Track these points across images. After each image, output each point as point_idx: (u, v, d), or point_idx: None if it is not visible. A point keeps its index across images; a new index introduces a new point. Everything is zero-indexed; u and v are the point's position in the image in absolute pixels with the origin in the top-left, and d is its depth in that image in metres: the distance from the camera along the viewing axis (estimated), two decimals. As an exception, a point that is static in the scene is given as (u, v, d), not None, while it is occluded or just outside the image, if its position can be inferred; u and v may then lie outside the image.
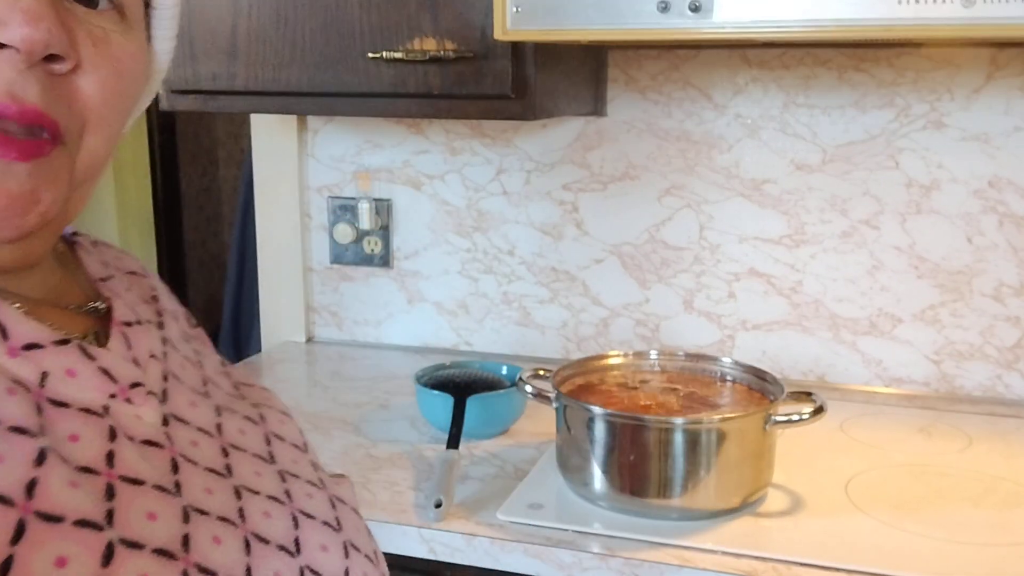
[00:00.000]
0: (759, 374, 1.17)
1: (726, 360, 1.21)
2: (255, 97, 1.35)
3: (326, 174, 1.71)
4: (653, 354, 1.25)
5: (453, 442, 1.19)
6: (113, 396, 0.50)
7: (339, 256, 1.73)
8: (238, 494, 0.52)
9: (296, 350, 1.73)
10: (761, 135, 1.48)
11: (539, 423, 1.31)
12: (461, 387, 1.29)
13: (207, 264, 3.66)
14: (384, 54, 1.25)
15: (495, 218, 1.63)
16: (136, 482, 0.46)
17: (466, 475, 1.18)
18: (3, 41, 0.44)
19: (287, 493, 0.55)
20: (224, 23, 1.31)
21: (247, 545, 0.49)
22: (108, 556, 0.42)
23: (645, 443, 1.04)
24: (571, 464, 1.11)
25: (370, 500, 1.11)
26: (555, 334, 1.64)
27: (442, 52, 1.22)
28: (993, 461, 1.23)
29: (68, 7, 0.48)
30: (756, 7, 1.02)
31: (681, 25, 1.04)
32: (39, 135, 0.47)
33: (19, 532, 0.40)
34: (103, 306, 0.56)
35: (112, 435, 0.48)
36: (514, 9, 1.09)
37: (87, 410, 0.48)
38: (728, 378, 1.20)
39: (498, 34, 1.11)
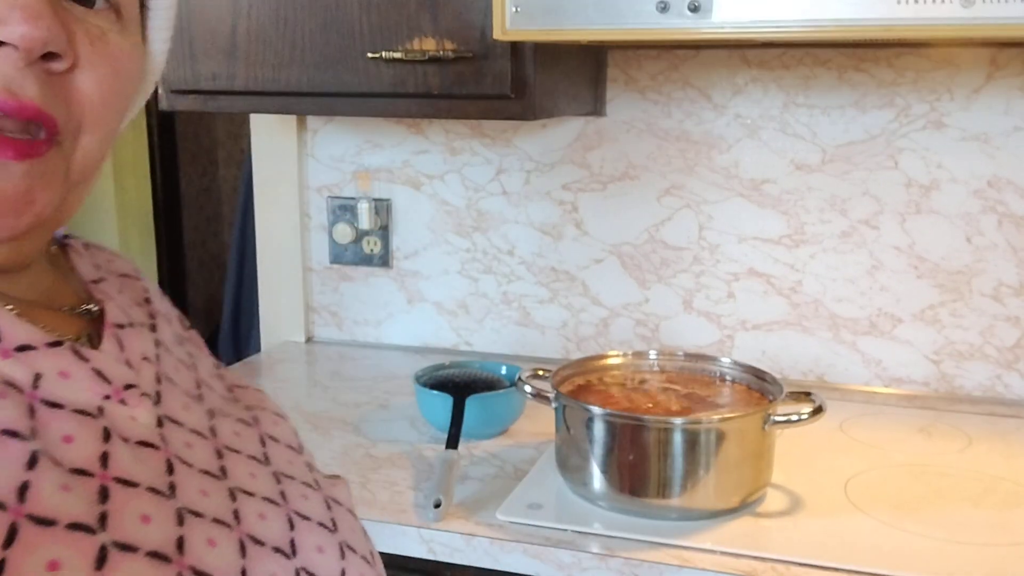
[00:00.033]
0: (758, 374, 1.17)
1: (725, 360, 1.21)
2: (255, 97, 1.35)
3: (326, 174, 1.71)
4: (653, 354, 1.25)
5: (452, 442, 1.19)
6: (107, 397, 0.49)
7: (339, 256, 1.73)
8: (233, 496, 0.52)
9: (296, 350, 1.73)
10: (761, 135, 1.48)
11: (538, 423, 1.31)
12: (461, 387, 1.29)
13: (207, 264, 3.66)
14: (384, 54, 1.25)
15: (495, 218, 1.63)
16: (130, 484, 0.46)
17: (465, 475, 1.18)
18: (2, 39, 0.44)
19: (282, 494, 0.55)
20: (224, 23, 1.31)
21: (242, 547, 0.49)
22: (101, 560, 0.42)
23: (644, 443, 1.04)
24: (570, 464, 1.11)
25: (370, 500, 1.11)
26: (555, 334, 1.64)
27: (442, 52, 1.22)
28: (993, 461, 1.23)
29: (66, 6, 0.48)
30: (755, 7, 1.02)
31: (680, 25, 1.04)
32: (36, 134, 0.47)
33: (11, 536, 0.40)
34: (96, 308, 0.56)
35: (106, 436, 0.47)
36: (513, 9, 1.09)
37: (81, 411, 0.47)
38: (727, 378, 1.20)
39: (497, 34, 1.11)
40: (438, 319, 1.70)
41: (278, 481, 0.56)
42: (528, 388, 1.15)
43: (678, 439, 1.04)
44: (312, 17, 1.28)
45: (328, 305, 1.76)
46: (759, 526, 1.05)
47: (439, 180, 1.65)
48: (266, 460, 0.57)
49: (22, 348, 0.47)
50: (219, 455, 0.54)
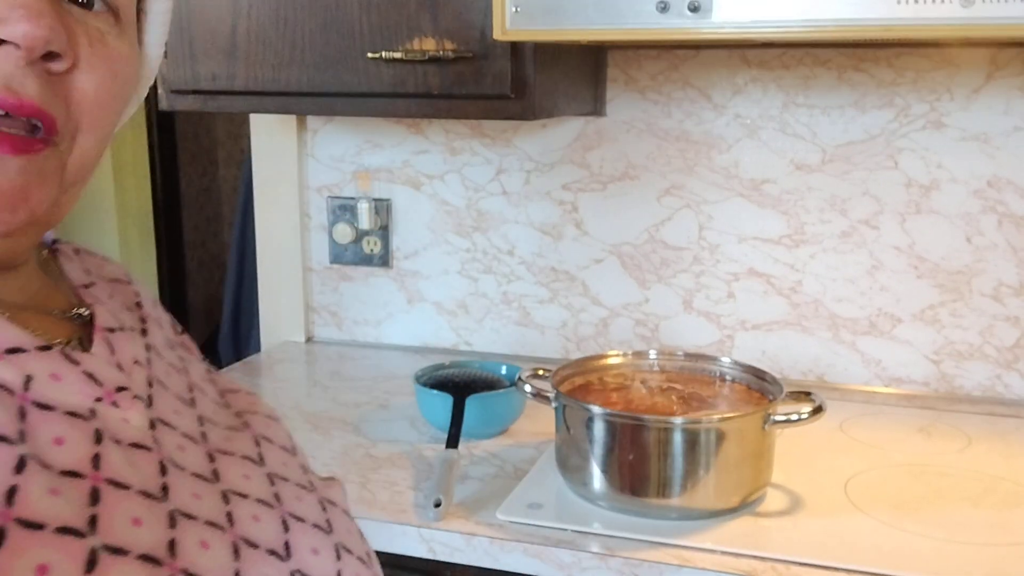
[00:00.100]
0: (758, 374, 1.17)
1: (725, 360, 1.21)
2: (255, 97, 1.35)
3: (326, 174, 1.71)
4: (652, 354, 1.25)
5: (452, 442, 1.19)
6: (99, 400, 0.49)
7: (339, 256, 1.73)
8: (226, 498, 0.51)
9: (296, 350, 1.73)
10: (760, 135, 1.48)
11: (538, 423, 1.31)
12: (460, 387, 1.29)
13: (207, 264, 3.66)
14: (384, 54, 1.25)
15: (495, 218, 1.63)
16: (122, 486, 0.46)
17: (465, 475, 1.18)
18: (4, 37, 0.45)
19: (276, 496, 0.55)
20: (224, 23, 1.31)
21: (236, 550, 0.49)
22: (91, 563, 0.41)
23: (644, 443, 1.04)
24: (570, 464, 1.11)
25: (370, 500, 1.11)
26: (555, 334, 1.64)
27: (441, 52, 1.22)
28: (992, 461, 1.23)
29: (66, 7, 0.48)
30: (755, 7, 1.02)
31: (680, 25, 1.05)
32: (34, 132, 0.47)
33: None
34: (86, 312, 0.56)
35: (98, 438, 0.47)
36: (513, 9, 1.09)
37: (73, 413, 0.47)
38: (727, 378, 1.20)
39: (497, 34, 1.11)
40: (438, 319, 1.70)
41: (272, 483, 0.56)
42: (528, 388, 1.15)
43: (678, 439, 1.04)
44: (312, 17, 1.28)
45: (328, 305, 1.76)
46: (759, 526, 1.05)
47: (439, 180, 1.65)
48: (261, 461, 0.57)
49: (12, 351, 0.47)
50: (211, 459, 0.54)
